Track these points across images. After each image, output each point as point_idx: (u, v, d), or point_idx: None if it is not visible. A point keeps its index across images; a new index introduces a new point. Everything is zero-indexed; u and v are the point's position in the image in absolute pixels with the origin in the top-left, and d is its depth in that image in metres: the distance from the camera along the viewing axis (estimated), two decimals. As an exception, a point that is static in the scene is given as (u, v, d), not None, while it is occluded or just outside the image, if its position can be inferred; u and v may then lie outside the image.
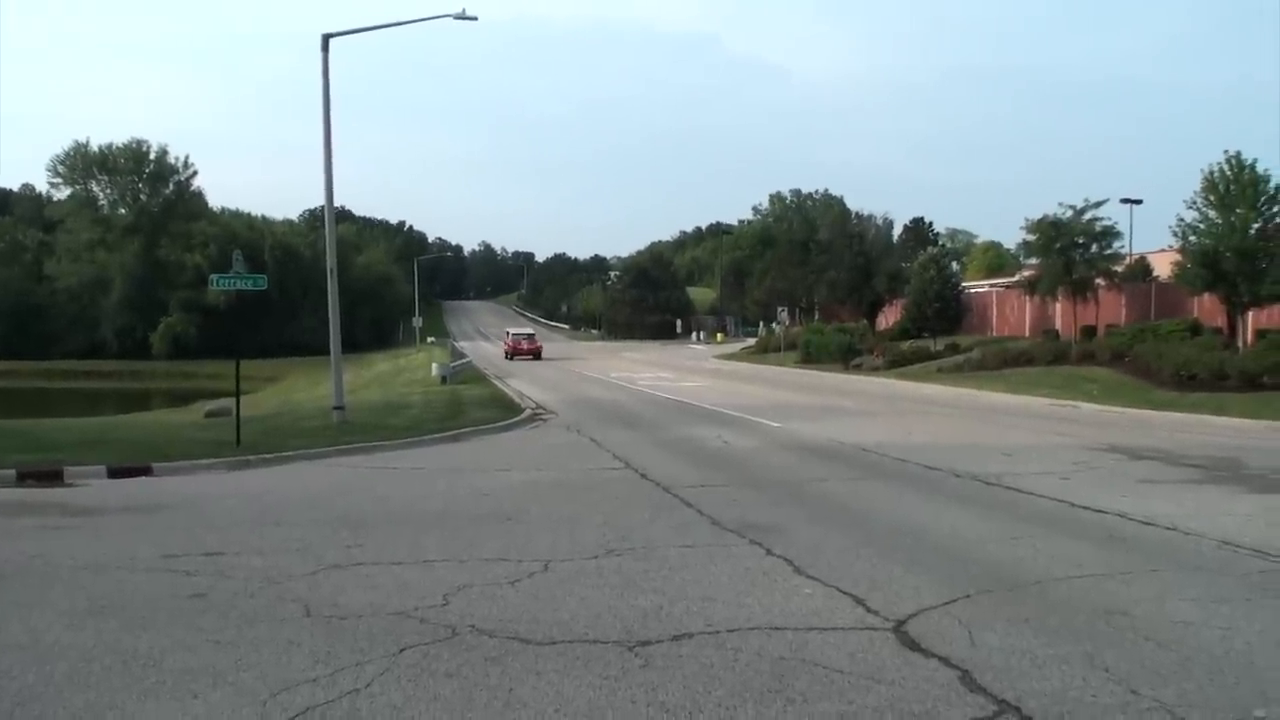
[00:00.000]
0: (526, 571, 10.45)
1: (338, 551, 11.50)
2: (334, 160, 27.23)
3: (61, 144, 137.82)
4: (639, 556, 11.32)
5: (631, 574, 10.47)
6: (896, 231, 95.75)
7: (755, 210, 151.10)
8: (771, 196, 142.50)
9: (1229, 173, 41.81)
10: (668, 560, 11.14)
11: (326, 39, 26.41)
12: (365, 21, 25.29)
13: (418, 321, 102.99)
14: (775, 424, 27.35)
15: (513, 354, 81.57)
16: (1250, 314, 43.95)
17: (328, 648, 7.87)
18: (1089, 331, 52.63)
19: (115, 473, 17.29)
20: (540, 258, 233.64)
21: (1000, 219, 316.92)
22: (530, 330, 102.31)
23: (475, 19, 26.20)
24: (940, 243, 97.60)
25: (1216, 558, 11.39)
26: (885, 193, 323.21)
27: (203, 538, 12.24)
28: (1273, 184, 41.51)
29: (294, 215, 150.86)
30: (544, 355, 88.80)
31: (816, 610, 9.06)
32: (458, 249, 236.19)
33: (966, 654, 7.72)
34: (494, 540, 12.20)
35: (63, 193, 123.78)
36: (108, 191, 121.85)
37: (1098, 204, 54.24)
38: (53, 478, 16.70)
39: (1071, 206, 54.17)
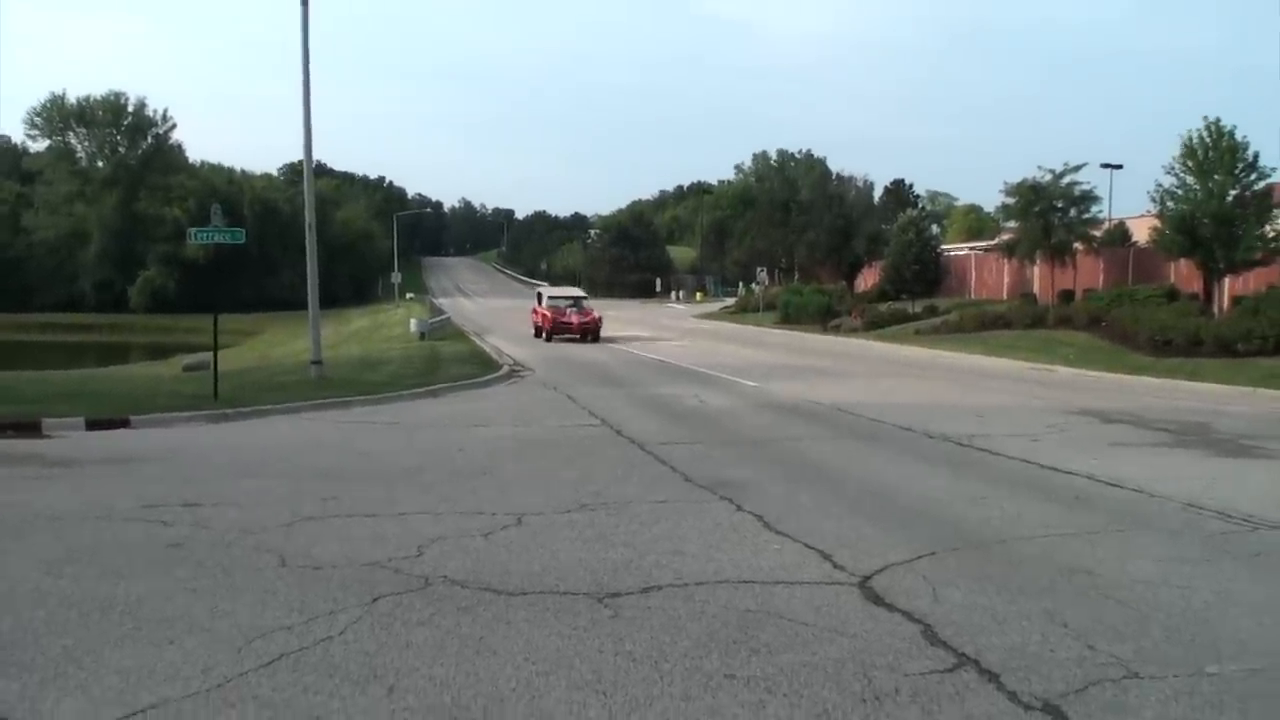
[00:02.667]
0: (500, 524, 10.56)
1: (313, 504, 11.58)
2: (313, 116, 27.19)
3: (38, 96, 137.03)
4: (611, 511, 11.44)
5: (603, 528, 10.59)
6: (877, 193, 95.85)
7: (738, 169, 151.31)
8: (755, 156, 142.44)
9: (1208, 139, 41.89)
10: (640, 515, 11.27)
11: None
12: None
13: (397, 278, 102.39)
14: (752, 383, 27.49)
15: (552, 332, 48.79)
16: (1227, 280, 44.15)
17: (302, 597, 7.97)
18: (1067, 295, 52.76)
19: (93, 425, 17.30)
20: (520, 215, 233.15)
21: (981, 182, 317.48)
22: (578, 291, 59.74)
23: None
24: (920, 205, 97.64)
25: (1180, 519, 11.57)
26: (867, 154, 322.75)
27: (180, 489, 12.31)
28: (1250, 151, 41.68)
29: (273, 170, 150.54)
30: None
31: (784, 565, 9.20)
32: (438, 205, 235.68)
33: (929, 609, 7.86)
34: (469, 494, 12.32)
35: (40, 145, 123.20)
36: (86, 144, 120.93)
37: (1077, 168, 54.28)
38: (30, 429, 16.71)
39: (1051, 170, 54.16)
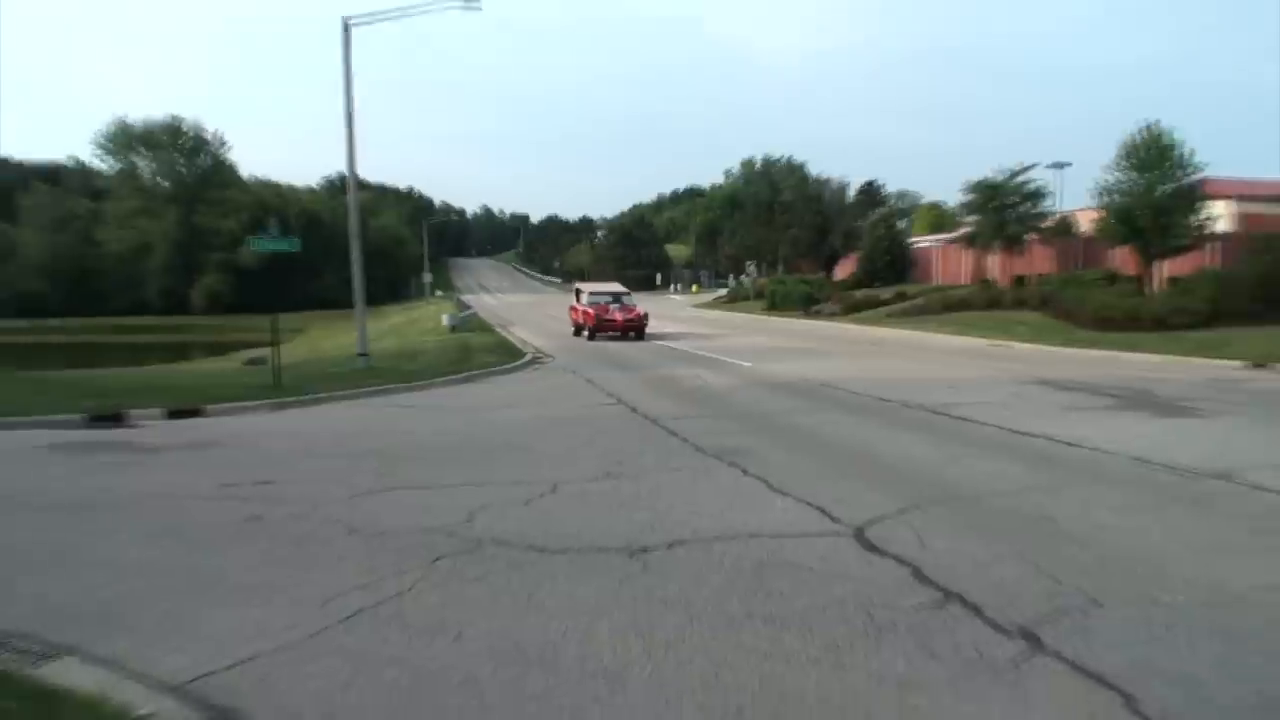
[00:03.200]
0: (537, 493, 10.67)
1: (371, 479, 11.68)
2: (351, 132, 27.16)
3: (104, 120, 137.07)
4: (633, 478, 11.55)
5: (628, 493, 10.71)
6: (851, 193, 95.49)
7: (727, 174, 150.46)
8: (743, 162, 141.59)
9: (1145, 140, 42.09)
10: (659, 481, 11.38)
11: (347, 25, 26.30)
12: (379, 7, 25.11)
13: (427, 277, 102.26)
14: (747, 364, 27.56)
15: (595, 330, 41.23)
16: (1162, 264, 44.25)
17: (371, 561, 8.10)
18: (1020, 280, 52.75)
19: (172, 414, 17.37)
20: (535, 219, 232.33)
21: (943, 182, 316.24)
22: (619, 287, 49.38)
23: (480, 8, 26.20)
24: (890, 203, 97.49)
25: (1131, 472, 11.70)
26: (842, 158, 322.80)
27: (253, 470, 12.40)
28: (1182, 150, 41.85)
29: (314, 182, 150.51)
30: (539, 310, 68.89)
31: (788, 520, 9.34)
32: (461, 212, 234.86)
33: (917, 554, 8.01)
34: (506, 467, 12.40)
35: (108, 165, 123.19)
36: (149, 164, 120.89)
37: (1029, 167, 54.52)
38: (117, 420, 16.80)
39: (1006, 170, 54.43)
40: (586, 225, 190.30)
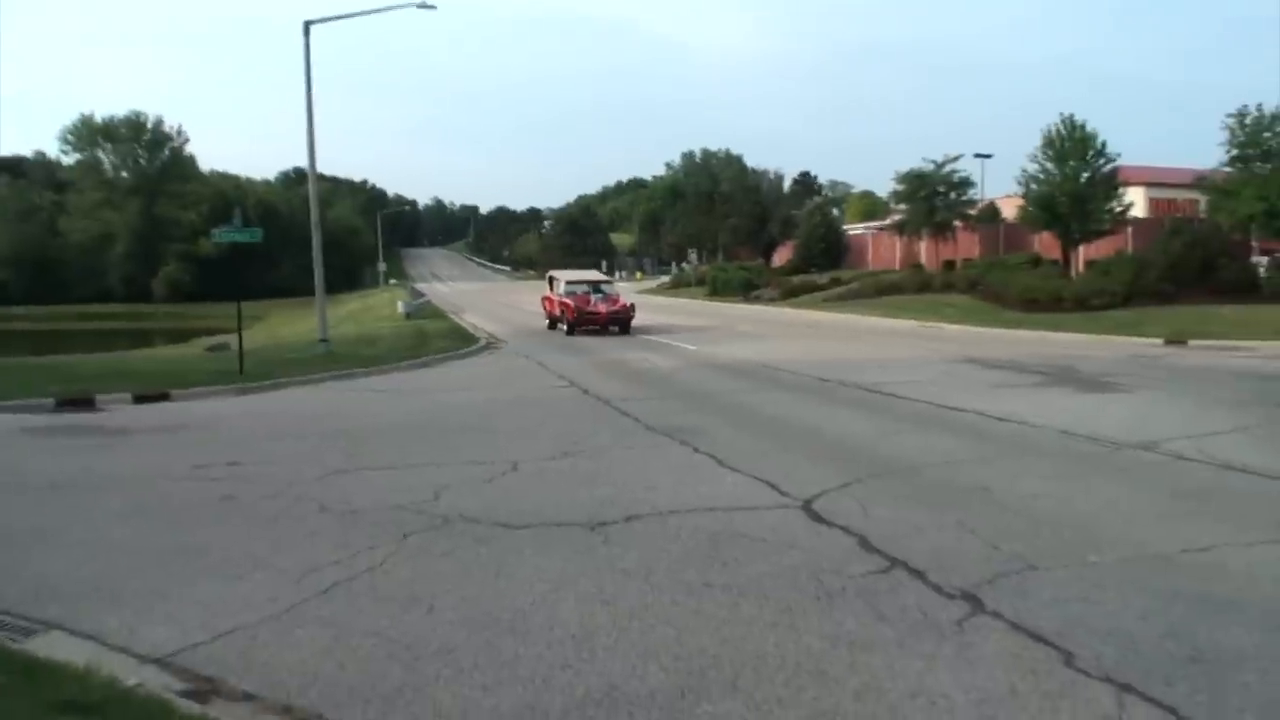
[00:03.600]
0: (499, 471, 10.69)
1: (339, 459, 11.66)
2: (305, 129, 26.87)
3: (69, 116, 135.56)
4: (590, 456, 11.62)
5: (585, 471, 10.78)
6: (787, 184, 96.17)
7: (669, 166, 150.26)
8: (684, 154, 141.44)
9: (1064, 131, 42.74)
10: (613, 459, 11.48)
11: (308, 25, 25.98)
12: (334, 5, 24.96)
13: (382, 266, 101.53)
14: (692, 347, 27.65)
15: (575, 324, 34.53)
16: (1081, 248, 44.93)
17: (344, 537, 8.10)
18: (949, 265, 53.43)
19: (140, 398, 17.17)
20: (484, 209, 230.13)
21: (874, 171, 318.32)
22: (598, 275, 46.14)
23: (434, 7, 25.96)
24: (824, 193, 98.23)
25: (1057, 444, 11.94)
26: (778, 150, 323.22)
27: (223, 451, 12.30)
28: (1099, 141, 42.56)
29: (271, 175, 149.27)
30: (490, 298, 67.31)
31: (739, 495, 9.45)
32: (413, 203, 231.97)
33: (862, 524, 8.14)
34: (468, 447, 12.40)
35: (72, 158, 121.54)
36: (111, 158, 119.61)
37: (955, 158, 55.15)
38: (86, 404, 16.59)
39: (933, 161, 55.04)
40: (534, 215, 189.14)
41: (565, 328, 34.30)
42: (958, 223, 55.37)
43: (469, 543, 7.89)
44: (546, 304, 38.11)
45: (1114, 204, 42.97)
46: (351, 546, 7.76)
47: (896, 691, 5.03)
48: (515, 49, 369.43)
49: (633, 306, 35.05)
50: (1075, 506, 8.77)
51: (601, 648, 5.66)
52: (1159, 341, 26.26)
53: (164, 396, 17.60)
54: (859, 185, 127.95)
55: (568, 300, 34.89)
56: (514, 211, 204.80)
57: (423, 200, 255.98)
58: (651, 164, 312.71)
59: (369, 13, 26.40)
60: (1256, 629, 5.79)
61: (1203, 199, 43.28)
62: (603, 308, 34.48)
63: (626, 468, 10.91)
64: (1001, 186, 59.39)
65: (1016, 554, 7.24)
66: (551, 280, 39.17)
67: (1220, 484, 9.74)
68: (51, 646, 5.78)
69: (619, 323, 34.27)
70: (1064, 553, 7.32)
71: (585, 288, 36.27)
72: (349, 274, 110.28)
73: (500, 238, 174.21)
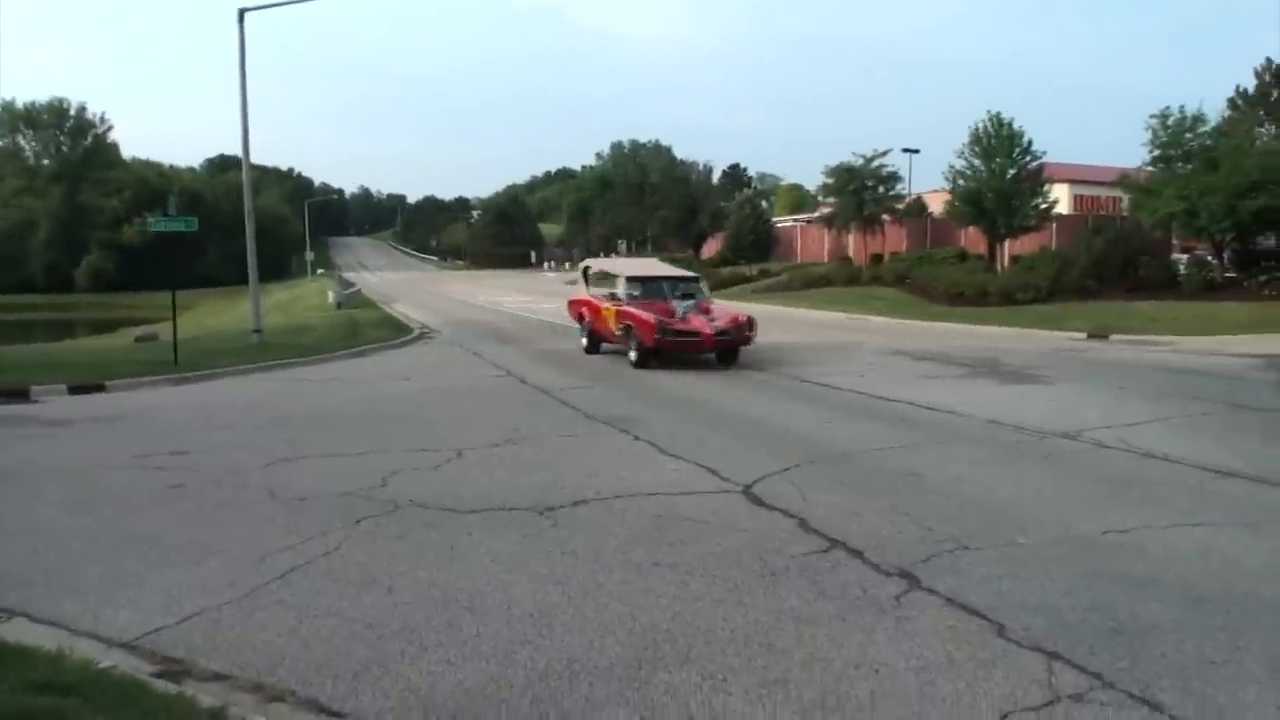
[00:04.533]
0: (444, 459, 10.88)
1: (283, 447, 11.74)
2: (236, 114, 26.39)
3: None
4: (532, 444, 11.84)
5: (529, 458, 11.00)
6: (717, 176, 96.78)
7: (598, 156, 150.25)
8: (613, 144, 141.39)
9: (991, 129, 43.50)
10: (555, 446, 11.72)
11: (242, 13, 25.62)
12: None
13: (310, 255, 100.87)
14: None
15: (652, 350, 19.84)
16: (1006, 243, 45.82)
17: (296, 523, 8.25)
18: (877, 258, 54.07)
19: (75, 389, 17.02)
20: (412, 199, 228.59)
21: (803, 164, 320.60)
22: (678, 270, 27.11)
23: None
24: (754, 185, 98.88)
25: (984, 432, 12.41)
26: (708, 143, 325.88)
27: (165, 441, 12.30)
28: (1025, 138, 43.40)
29: (195, 163, 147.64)
30: (418, 287, 64.97)
31: (681, 480, 9.74)
32: (340, 192, 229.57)
33: (801, 507, 8.48)
34: (410, 436, 12.52)
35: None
36: (33, 144, 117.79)
37: (884, 153, 55.75)
38: (20, 395, 16.42)
39: (862, 155, 55.66)
40: (463, 205, 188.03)
41: (633, 354, 20.33)
42: (886, 217, 56.11)
43: (420, 527, 8.09)
44: (584, 312, 23.51)
45: (1039, 201, 43.84)
46: (304, 532, 7.92)
47: (841, 661, 5.36)
48: (444, 37, 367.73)
49: (751, 321, 20.82)
50: (1003, 491, 9.20)
51: (558, 624, 5.92)
52: (1081, 335, 26.92)
53: (99, 387, 17.48)
54: (789, 178, 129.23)
55: (637, 311, 20.46)
56: (442, 201, 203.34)
57: (349, 189, 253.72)
58: (581, 154, 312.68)
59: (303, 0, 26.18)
60: (1173, 604, 6.22)
61: (1125, 197, 44.26)
62: (703, 325, 19.98)
63: (569, 455, 11.16)
64: (930, 181, 60.48)
65: (949, 535, 7.63)
66: (588, 273, 26.40)
67: (1140, 471, 10.21)
68: (19, 632, 5.89)
69: (733, 346, 20.44)
70: (993, 534, 7.71)
71: (662, 289, 22.14)
72: (276, 263, 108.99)
73: (428, 227, 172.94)
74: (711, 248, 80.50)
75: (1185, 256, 39.29)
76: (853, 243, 60.15)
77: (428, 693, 5.07)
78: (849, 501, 8.75)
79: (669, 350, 19.93)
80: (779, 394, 16.22)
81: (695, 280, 23.37)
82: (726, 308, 23.97)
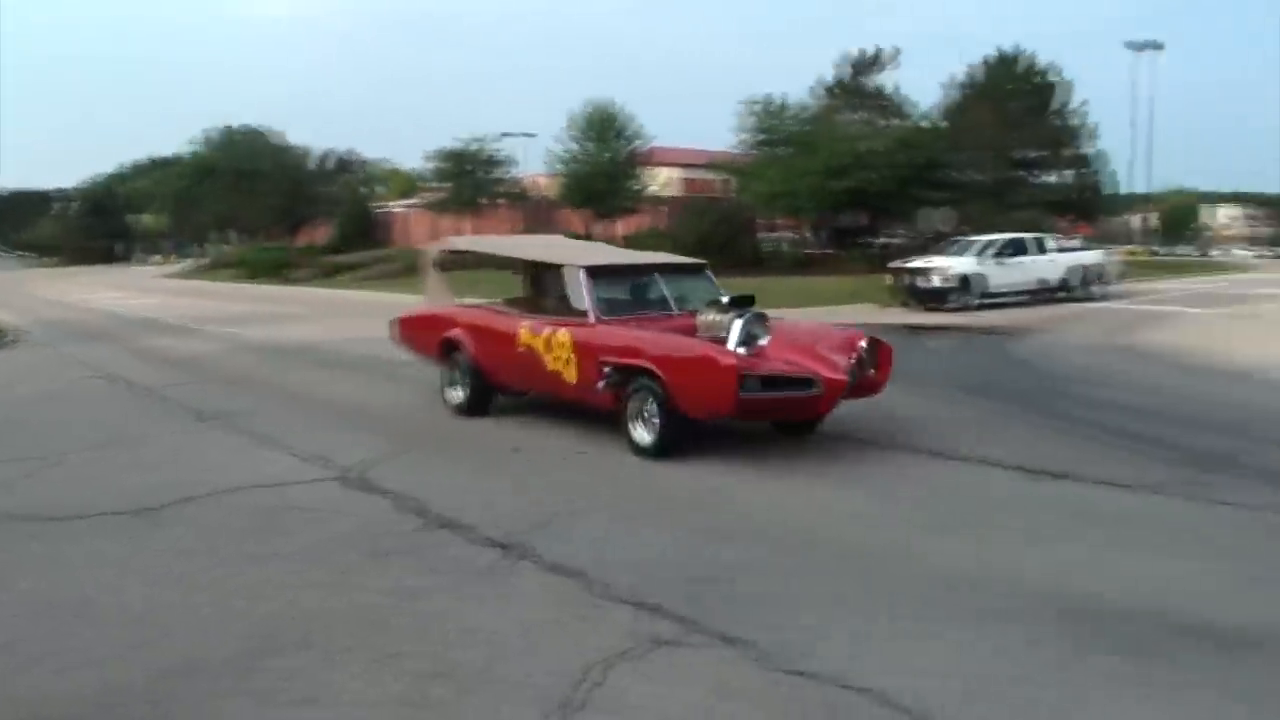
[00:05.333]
0: (40, 467, 10.37)
1: None
2: None
3: None
4: (138, 444, 11.51)
5: (135, 459, 10.72)
6: (325, 161, 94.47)
7: (191, 143, 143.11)
8: (206, 130, 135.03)
9: (593, 113, 45.26)
10: (163, 445, 11.46)
11: None
12: None
13: None
14: (231, 330, 27.04)
15: (744, 408, 9.30)
16: (619, 224, 47.88)
17: (-126, 543, 7.76)
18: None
19: None
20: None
21: (413, 149, 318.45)
22: (665, 256, 13.55)
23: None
24: (363, 170, 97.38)
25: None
26: (313, 126, 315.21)
27: None
28: (630, 122, 45.50)
29: None
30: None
31: (291, 470, 9.90)
32: None
33: (406, 489, 8.90)
34: (2, 444, 11.78)
35: None
36: None
37: (495, 137, 56.73)
38: None
39: (473, 139, 56.27)
40: (42, 197, 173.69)
41: (646, 435, 10.08)
42: (496, 200, 57.03)
43: (20, 538, 7.83)
44: (451, 337, 13.17)
45: (633, 183, 46.07)
46: (-113, 554, 7.49)
47: (453, 630, 5.82)
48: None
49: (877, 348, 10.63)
50: (608, 460, 10.03)
51: (176, 623, 6.03)
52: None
53: None
54: (400, 162, 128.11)
55: (656, 339, 10.24)
56: (23, 192, 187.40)
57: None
58: (176, 140, 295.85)
59: None
60: (756, 547, 7.20)
61: (733, 179, 47.19)
62: (807, 357, 10.02)
63: (176, 453, 10.98)
64: (541, 165, 61.97)
65: (556, 507, 8.30)
66: (445, 263, 16.02)
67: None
68: None
69: (861, 393, 10.43)
70: (602, 501, 8.55)
71: (662, 289, 11.76)
72: None
73: (10, 222, 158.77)
74: (321, 234, 78.84)
75: (774, 235, 42.64)
76: (464, 227, 60.82)
77: (38, 706, 5.05)
78: (450, 481, 9.32)
79: (754, 417, 10.46)
80: (388, 380, 16.30)
81: (702, 269, 12.54)
82: (798, 323, 12.09)
